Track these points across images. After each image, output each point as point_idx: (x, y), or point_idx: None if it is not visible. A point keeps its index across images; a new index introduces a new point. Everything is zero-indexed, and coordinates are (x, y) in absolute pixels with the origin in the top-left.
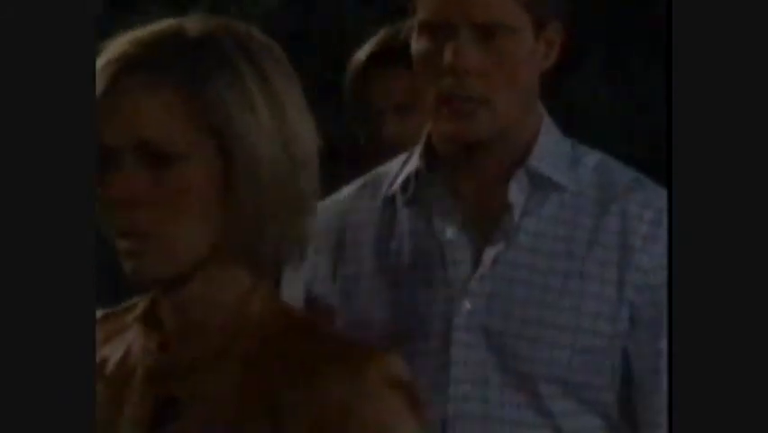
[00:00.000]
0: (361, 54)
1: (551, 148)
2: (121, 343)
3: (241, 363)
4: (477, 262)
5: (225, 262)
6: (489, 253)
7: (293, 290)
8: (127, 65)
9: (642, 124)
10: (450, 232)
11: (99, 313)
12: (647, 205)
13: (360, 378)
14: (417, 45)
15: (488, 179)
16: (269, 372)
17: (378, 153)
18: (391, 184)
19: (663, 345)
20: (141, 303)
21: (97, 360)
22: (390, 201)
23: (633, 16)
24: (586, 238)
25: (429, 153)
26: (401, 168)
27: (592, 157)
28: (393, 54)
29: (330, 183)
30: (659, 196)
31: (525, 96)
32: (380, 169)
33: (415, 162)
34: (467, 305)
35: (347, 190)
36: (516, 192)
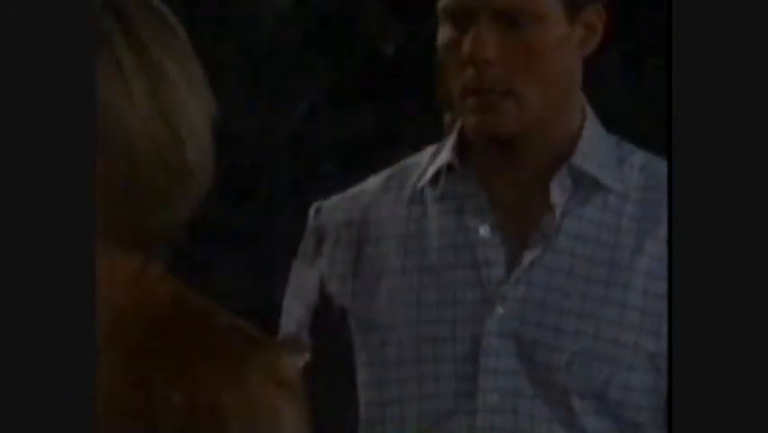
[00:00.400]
0: None
1: (595, 145)
2: None
3: (123, 352)
4: (511, 264)
5: (108, 242)
6: (526, 256)
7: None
8: None
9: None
10: (483, 230)
11: None
12: None
13: (240, 375)
14: (440, 35)
15: (526, 177)
16: (149, 363)
17: None
18: (420, 177)
19: None
20: None
21: None
22: (419, 195)
23: (637, 15)
24: (631, 245)
25: (462, 147)
26: (431, 160)
27: (639, 156)
28: None
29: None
30: None
31: (559, 87)
32: (407, 160)
33: (446, 155)
34: (499, 310)
35: (371, 182)
36: (558, 192)
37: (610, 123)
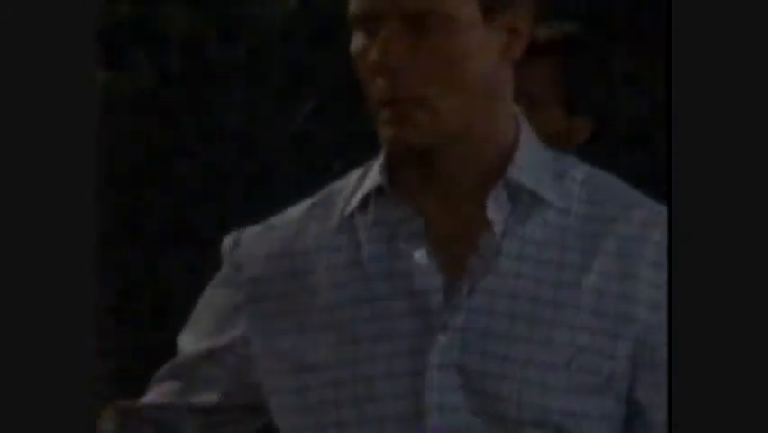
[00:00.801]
0: None
1: (532, 158)
2: None
3: None
4: (450, 290)
5: None
6: (466, 281)
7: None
8: None
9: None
10: (418, 256)
11: None
12: (652, 224)
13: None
14: (352, 43)
15: (459, 194)
16: None
17: None
18: (347, 202)
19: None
20: None
21: None
22: (347, 223)
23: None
24: (577, 263)
25: (391, 168)
26: (358, 183)
27: (580, 169)
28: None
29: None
30: (663, 214)
31: (479, 94)
32: (333, 186)
33: (375, 178)
34: (440, 340)
35: (293, 212)
36: (495, 209)
37: (610, 123)
